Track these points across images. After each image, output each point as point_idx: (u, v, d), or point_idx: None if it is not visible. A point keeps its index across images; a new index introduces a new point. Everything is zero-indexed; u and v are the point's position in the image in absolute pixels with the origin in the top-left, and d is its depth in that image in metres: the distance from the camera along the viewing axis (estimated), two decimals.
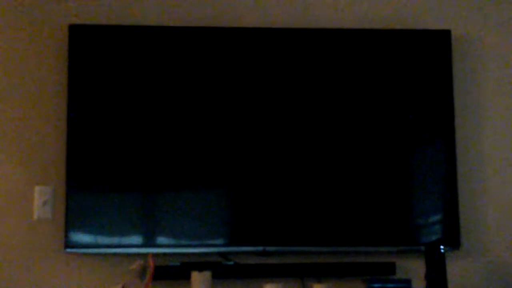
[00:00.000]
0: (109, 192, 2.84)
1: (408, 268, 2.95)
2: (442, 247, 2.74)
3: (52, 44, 2.94)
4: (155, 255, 2.57)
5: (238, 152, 2.91)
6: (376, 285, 2.67)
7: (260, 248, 2.87)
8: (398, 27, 3.08)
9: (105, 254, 2.86)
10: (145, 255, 2.55)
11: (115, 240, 2.80)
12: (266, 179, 2.91)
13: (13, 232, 2.85)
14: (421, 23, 3.11)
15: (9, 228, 2.85)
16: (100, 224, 2.80)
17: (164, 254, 2.83)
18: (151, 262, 2.47)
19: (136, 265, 2.51)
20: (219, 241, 2.89)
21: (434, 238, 2.91)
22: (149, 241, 2.85)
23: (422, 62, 3.03)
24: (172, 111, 2.90)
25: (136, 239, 2.84)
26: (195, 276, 2.72)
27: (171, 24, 2.99)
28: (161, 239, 2.85)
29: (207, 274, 2.72)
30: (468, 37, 3.15)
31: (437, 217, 2.98)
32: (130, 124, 2.88)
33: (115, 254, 2.86)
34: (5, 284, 2.81)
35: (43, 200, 2.87)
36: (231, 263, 2.88)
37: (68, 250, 2.81)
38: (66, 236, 2.79)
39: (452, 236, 2.95)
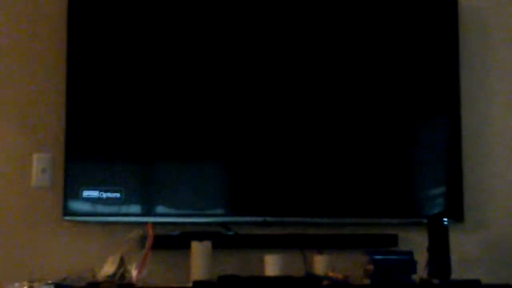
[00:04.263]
0: (108, 160, 2.81)
1: (410, 240, 2.94)
2: (445, 219, 2.72)
3: (51, 6, 2.89)
4: (155, 224, 2.55)
5: (239, 121, 2.88)
6: (378, 256, 2.65)
7: (260, 219, 2.85)
8: None
9: (104, 223, 2.84)
10: (144, 224, 2.54)
11: (114, 208, 2.78)
12: (267, 148, 2.88)
13: (11, 200, 2.83)
14: None
15: (7, 196, 2.83)
16: (99, 192, 2.77)
17: (164, 223, 2.80)
18: (150, 231, 2.46)
19: (135, 234, 2.50)
20: (219, 210, 2.87)
21: (437, 210, 2.90)
22: (148, 210, 2.82)
23: (428, 33, 2.99)
24: (172, 78, 2.86)
25: (135, 208, 2.81)
26: (195, 245, 2.71)
27: None
28: (160, 208, 2.83)
29: (207, 244, 2.70)
30: (475, 8, 3.10)
31: (440, 190, 2.97)
32: (131, 91, 2.84)
33: (114, 223, 2.83)
34: (3, 252, 2.79)
35: (41, 168, 2.84)
36: (231, 233, 2.86)
37: (67, 218, 2.78)
38: (65, 204, 2.76)
39: (455, 209, 2.95)
